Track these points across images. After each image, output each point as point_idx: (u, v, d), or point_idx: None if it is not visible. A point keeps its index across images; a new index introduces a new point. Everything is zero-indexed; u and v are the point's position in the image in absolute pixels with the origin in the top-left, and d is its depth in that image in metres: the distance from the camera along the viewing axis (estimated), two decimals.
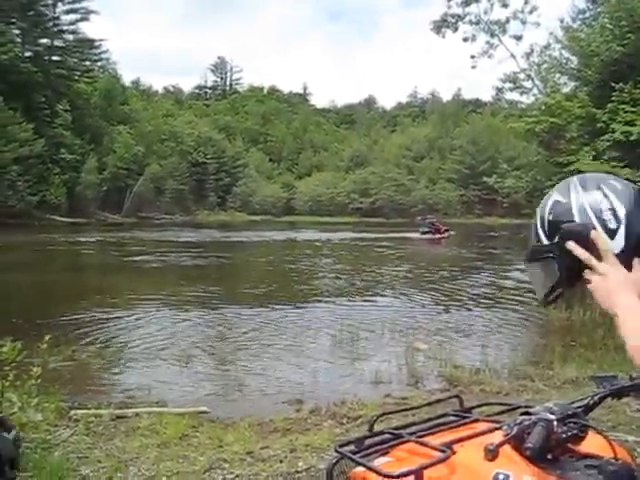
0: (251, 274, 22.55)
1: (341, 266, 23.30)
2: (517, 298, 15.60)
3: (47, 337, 7.08)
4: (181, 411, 6.19)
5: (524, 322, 12.47)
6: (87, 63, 70.93)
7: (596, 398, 1.88)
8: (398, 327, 11.44)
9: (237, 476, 4.50)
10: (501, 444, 1.71)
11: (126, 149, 63.72)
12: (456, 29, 29.85)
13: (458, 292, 16.70)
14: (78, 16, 66.07)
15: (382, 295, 16.00)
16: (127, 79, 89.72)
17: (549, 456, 1.64)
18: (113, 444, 5.20)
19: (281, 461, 4.81)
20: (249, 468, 4.66)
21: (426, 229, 39.94)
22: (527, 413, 1.82)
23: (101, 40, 72.50)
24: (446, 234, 40.00)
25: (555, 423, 1.65)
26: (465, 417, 1.89)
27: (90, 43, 70.40)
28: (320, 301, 15.10)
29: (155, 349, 9.61)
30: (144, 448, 5.08)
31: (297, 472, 4.57)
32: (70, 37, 67.28)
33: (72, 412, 5.92)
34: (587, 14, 29.16)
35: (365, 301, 15.01)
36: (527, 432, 1.64)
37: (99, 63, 75.35)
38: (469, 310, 13.74)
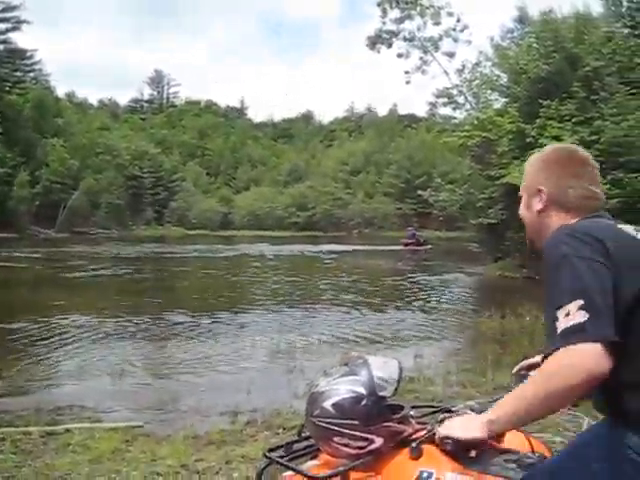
0: (188, 287, 22.29)
1: (280, 277, 23.28)
2: (451, 308, 15.93)
3: None
4: (114, 426, 6.08)
5: (457, 331, 12.74)
6: (18, 74, 69.21)
7: None
8: (335, 336, 11.54)
9: None
10: (423, 441, 1.77)
11: (60, 162, 62.23)
12: (390, 45, 30.51)
13: (395, 301, 16.93)
14: (9, 25, 64.52)
15: (321, 306, 16.06)
16: (61, 91, 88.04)
17: (472, 454, 1.71)
18: (42, 462, 5.08)
19: (216, 473, 4.79)
20: None
21: (408, 240, 41.24)
22: (449, 411, 1.90)
23: (33, 50, 71.12)
24: (425, 246, 41.42)
25: None
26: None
27: (22, 53, 68.82)
28: (258, 312, 15.08)
29: (87, 363, 9.40)
30: (75, 465, 4.98)
31: None
32: (0, 47, 65.62)
33: None
34: (515, 33, 30.29)
35: (304, 311, 15.05)
36: None
37: (31, 74, 73.57)
38: (403, 319, 13.93)
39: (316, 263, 32.07)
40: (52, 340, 11.19)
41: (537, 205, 1.92)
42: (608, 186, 19.59)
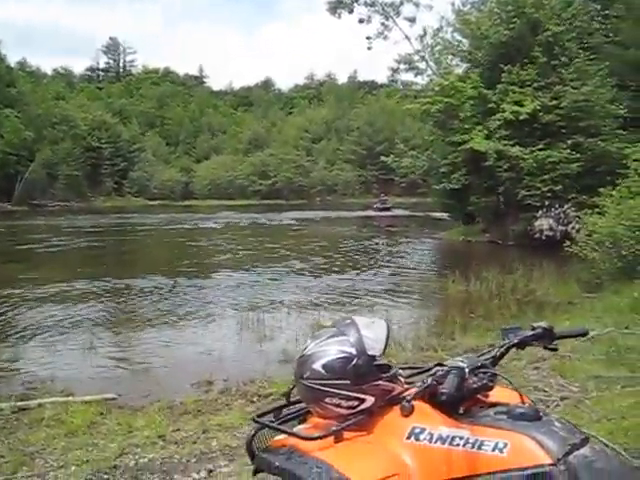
0: (151, 256, 22.16)
1: (242, 246, 23.23)
2: (417, 274, 16.10)
3: None
4: (87, 399, 6.04)
5: (425, 296, 12.90)
6: None
7: (502, 349, 2.01)
8: (303, 304, 11.59)
9: (150, 460, 4.45)
10: (416, 396, 1.79)
11: (14, 134, 60.57)
12: (351, 10, 30.15)
13: (361, 267, 17.06)
14: None
15: (286, 273, 16.09)
16: (12, 59, 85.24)
17: (461, 410, 1.74)
18: (16, 437, 5.05)
19: (194, 442, 4.80)
20: (162, 451, 4.63)
21: (382, 206, 42.40)
22: (440, 365, 1.91)
23: None
24: (398, 212, 43.50)
25: (467, 371, 1.75)
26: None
27: None
28: (224, 280, 15.06)
29: (57, 336, 9.33)
30: (50, 439, 4.95)
31: (211, 452, 4.57)
32: None
33: None
34: None
35: (270, 279, 15.06)
36: (440, 382, 1.73)
37: None
38: (371, 285, 14.04)
39: (298, 232, 32.02)
40: (17, 314, 11.04)
41: None
42: (569, 150, 19.90)
